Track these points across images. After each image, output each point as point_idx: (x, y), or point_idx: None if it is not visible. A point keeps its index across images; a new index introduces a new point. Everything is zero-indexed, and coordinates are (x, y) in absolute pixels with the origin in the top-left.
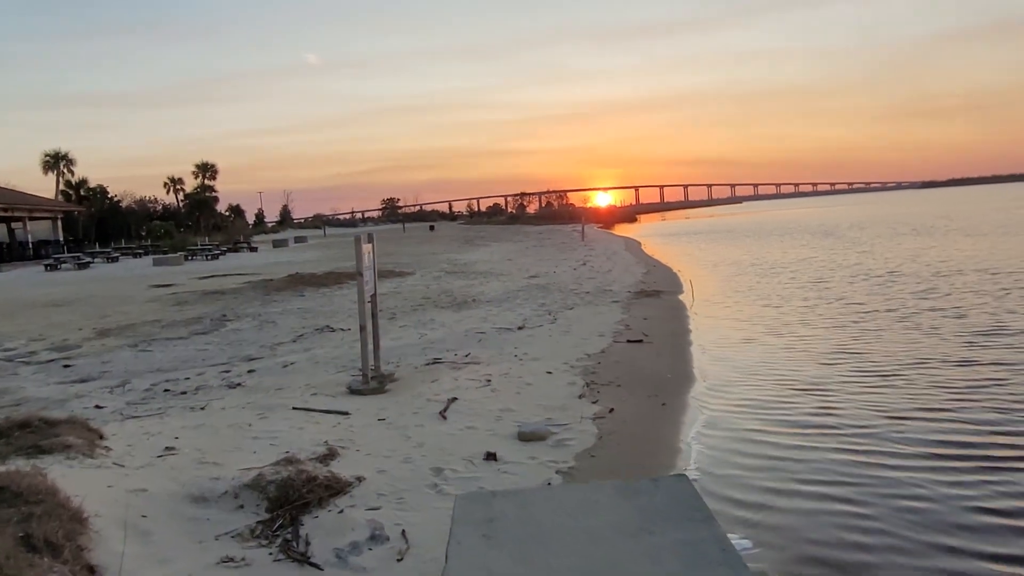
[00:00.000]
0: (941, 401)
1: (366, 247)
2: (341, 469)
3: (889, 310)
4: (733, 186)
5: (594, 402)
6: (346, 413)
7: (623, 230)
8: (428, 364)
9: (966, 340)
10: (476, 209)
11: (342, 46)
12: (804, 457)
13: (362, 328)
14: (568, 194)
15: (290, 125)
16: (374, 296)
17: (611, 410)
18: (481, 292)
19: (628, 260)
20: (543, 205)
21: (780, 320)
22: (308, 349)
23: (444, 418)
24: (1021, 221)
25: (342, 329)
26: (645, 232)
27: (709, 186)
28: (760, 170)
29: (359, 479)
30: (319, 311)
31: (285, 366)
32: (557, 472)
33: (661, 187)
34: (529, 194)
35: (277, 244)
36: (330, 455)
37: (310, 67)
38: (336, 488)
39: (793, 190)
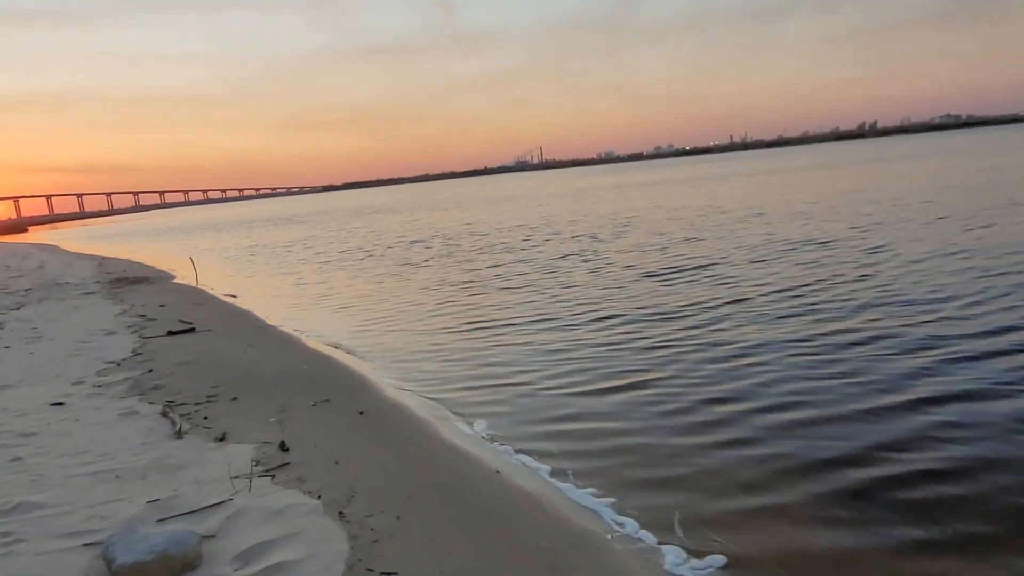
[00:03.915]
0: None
1: None
2: None
3: (471, 272)
4: (136, 194)
5: (220, 439)
6: None
7: (15, 239)
8: None
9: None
10: None
11: None
12: None
13: None
14: None
15: None
16: None
17: (282, 445)
18: None
19: (59, 258)
20: None
21: (366, 290)
22: None
23: None
24: (465, 197)
25: None
26: (49, 239)
27: (108, 195)
28: (164, 177)
29: None
30: None
31: None
32: None
33: (49, 196)
34: None
35: None
36: None
37: None
38: None
39: (203, 197)
